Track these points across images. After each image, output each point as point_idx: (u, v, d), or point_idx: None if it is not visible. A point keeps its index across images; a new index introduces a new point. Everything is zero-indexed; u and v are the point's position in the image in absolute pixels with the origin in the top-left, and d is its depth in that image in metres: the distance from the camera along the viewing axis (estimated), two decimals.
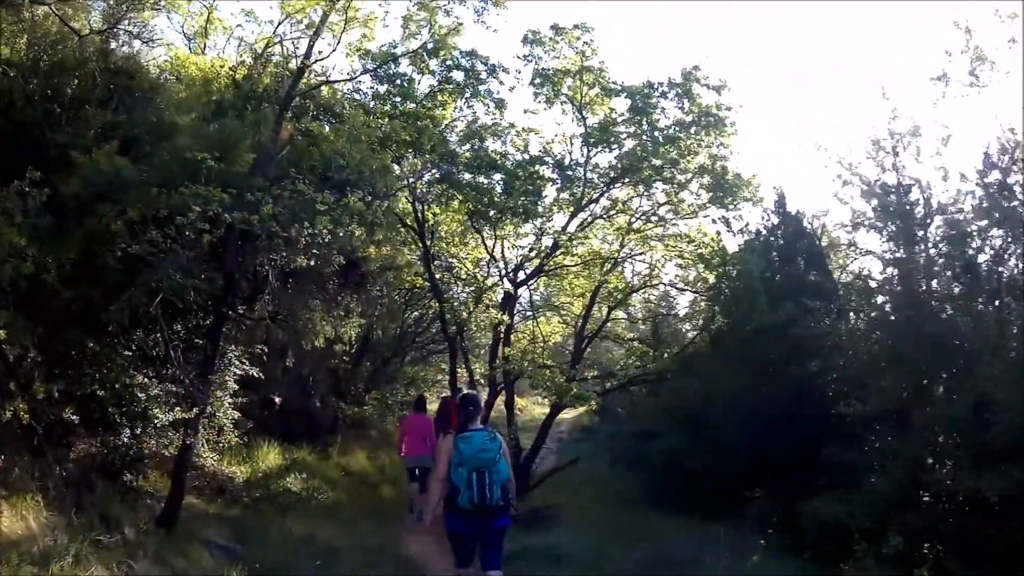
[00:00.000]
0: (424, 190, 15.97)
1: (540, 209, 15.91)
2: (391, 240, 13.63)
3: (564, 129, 19.39)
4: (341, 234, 8.40)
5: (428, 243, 16.53)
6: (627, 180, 16.31)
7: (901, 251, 12.84)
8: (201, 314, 9.96)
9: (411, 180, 13.57)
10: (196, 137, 8.48)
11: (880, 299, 13.55)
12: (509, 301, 17.06)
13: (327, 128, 10.97)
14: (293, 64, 10.72)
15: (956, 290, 11.95)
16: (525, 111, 17.36)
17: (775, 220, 17.78)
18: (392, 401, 22.94)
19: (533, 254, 17.20)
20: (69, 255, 7.91)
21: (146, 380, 9.24)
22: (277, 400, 16.66)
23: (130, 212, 7.55)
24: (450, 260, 18.89)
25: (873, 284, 13.76)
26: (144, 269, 7.83)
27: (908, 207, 12.94)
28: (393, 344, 23.86)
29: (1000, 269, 11.54)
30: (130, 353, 9.23)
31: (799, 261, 17.00)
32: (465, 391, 9.58)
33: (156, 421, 9.25)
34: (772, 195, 18.43)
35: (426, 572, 10.81)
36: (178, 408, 9.40)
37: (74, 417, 8.64)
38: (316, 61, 10.16)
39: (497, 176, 15.51)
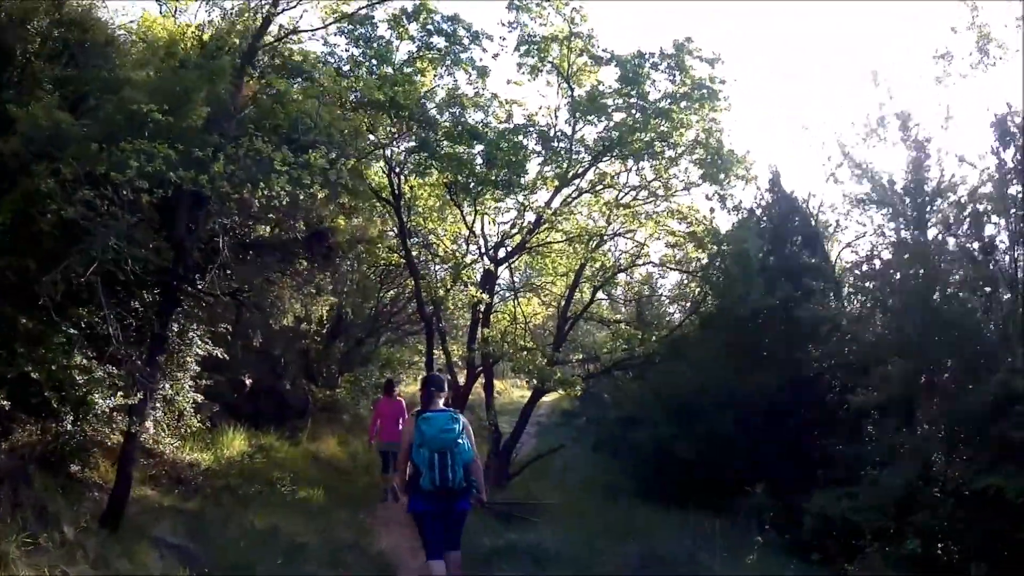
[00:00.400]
0: (400, 158, 15.04)
1: (523, 181, 14.98)
2: (362, 210, 12.74)
3: (549, 102, 18.36)
4: (301, 197, 7.41)
5: (404, 218, 15.65)
6: (615, 153, 15.48)
7: (908, 232, 12.09)
8: (158, 290, 9.06)
9: (386, 145, 12.55)
10: (145, 90, 7.54)
11: (886, 282, 12.75)
12: (489, 279, 16.21)
13: (295, 88, 9.98)
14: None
15: (971, 274, 11.16)
16: (509, 82, 16.33)
17: (769, 199, 17.08)
18: (366, 384, 21.99)
19: (515, 231, 16.29)
20: (2, 220, 7.03)
21: (86, 361, 8.28)
22: (248, 382, 16.04)
23: (64, 170, 6.61)
24: (428, 236, 17.97)
25: (878, 265, 12.98)
26: (82, 236, 6.90)
27: (914, 185, 12.21)
28: (367, 324, 22.96)
29: (1020, 252, 10.78)
30: (70, 331, 8.28)
31: (794, 241, 16.30)
32: (430, 372, 9.81)
33: (96, 407, 8.29)
34: (766, 174, 17.42)
35: (398, 571, 9.97)
36: (121, 393, 8.44)
37: (5, 402, 7.83)
38: (283, 11, 9.16)
39: (478, 147, 14.56)
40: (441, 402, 7.26)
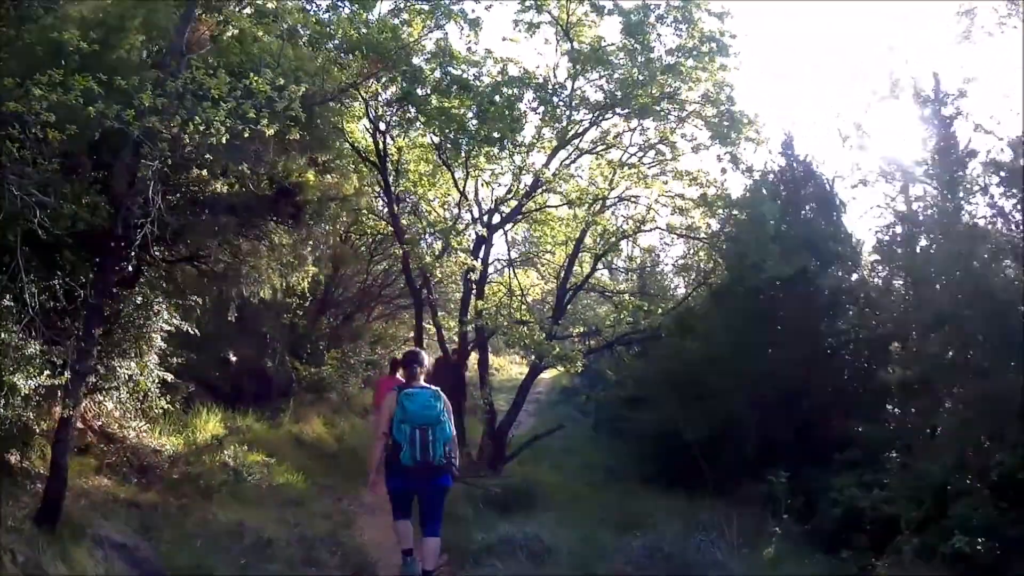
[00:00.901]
0: (384, 112, 13.97)
1: (519, 139, 13.96)
2: (339, 167, 11.67)
3: (547, 60, 17.38)
4: (246, 134, 6.29)
5: (390, 179, 14.70)
6: (619, 111, 14.47)
7: (942, 197, 11.04)
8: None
9: (358, 84, 11.42)
10: (74, 21, 6.46)
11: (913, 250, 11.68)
12: (483, 246, 15.17)
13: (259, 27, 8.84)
14: None
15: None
16: (504, 39, 15.24)
17: (783, 162, 16.05)
18: (355, 361, 20.97)
19: (510, 195, 15.26)
20: None
21: (5, 336, 7.20)
22: (233, 359, 15.29)
23: None
24: (417, 201, 16.93)
25: (901, 230, 11.93)
26: None
27: (946, 145, 11.17)
28: (357, 298, 21.98)
29: None
30: None
31: (810, 208, 15.26)
32: (410, 348, 9.77)
33: (20, 390, 7.25)
34: (778, 138, 16.30)
35: (377, 570, 8.98)
36: (47, 373, 7.40)
37: None
38: None
39: (469, 101, 13.49)
40: (422, 379, 7.34)
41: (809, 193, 15.86)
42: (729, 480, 13.26)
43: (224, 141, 5.85)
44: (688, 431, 13.94)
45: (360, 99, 13.11)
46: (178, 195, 7.92)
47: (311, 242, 11.19)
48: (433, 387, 7.28)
